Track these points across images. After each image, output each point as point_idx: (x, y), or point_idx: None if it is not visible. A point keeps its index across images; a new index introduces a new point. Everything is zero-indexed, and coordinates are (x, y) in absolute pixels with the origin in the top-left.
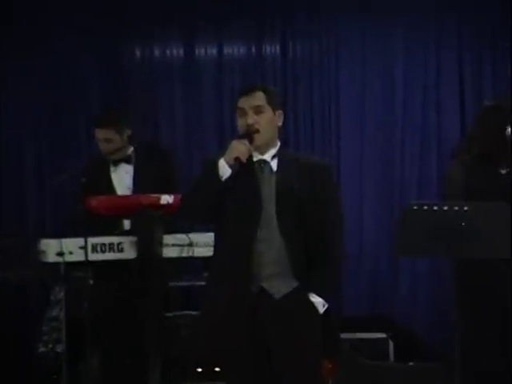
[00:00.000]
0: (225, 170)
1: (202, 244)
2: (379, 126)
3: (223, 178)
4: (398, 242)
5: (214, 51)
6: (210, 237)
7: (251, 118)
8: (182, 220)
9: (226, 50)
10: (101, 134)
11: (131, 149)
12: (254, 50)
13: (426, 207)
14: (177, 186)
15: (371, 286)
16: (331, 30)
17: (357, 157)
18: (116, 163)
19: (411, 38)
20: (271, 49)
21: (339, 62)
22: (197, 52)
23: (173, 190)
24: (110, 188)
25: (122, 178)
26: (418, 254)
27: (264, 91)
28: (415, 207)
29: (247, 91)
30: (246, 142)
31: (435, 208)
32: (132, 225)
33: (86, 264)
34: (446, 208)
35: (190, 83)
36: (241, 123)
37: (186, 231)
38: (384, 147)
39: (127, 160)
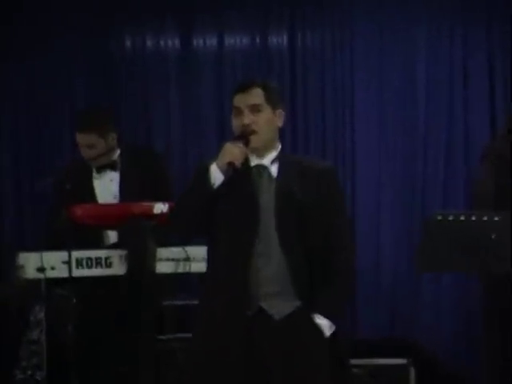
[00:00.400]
0: (217, 176)
1: (200, 258)
2: (399, 126)
3: (215, 186)
4: (420, 256)
5: (213, 42)
6: None
7: (247, 118)
8: (171, 233)
9: (227, 41)
10: (82, 139)
11: (117, 153)
12: (258, 40)
13: (451, 217)
14: (170, 193)
15: (389, 305)
16: (345, 21)
17: (373, 159)
18: (100, 170)
19: (435, 30)
20: (278, 40)
21: (354, 56)
22: (194, 43)
23: (165, 198)
24: (91, 197)
25: (107, 187)
26: (443, 269)
27: (262, 88)
28: (439, 217)
29: (243, 88)
30: (240, 144)
31: (462, 218)
32: (119, 236)
33: (70, 281)
34: (474, 218)
35: (187, 78)
36: (236, 124)
37: (183, 244)
38: (404, 148)
39: (112, 166)
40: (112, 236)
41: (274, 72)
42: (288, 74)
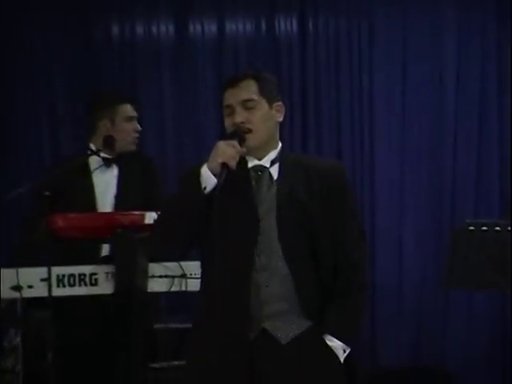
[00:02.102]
0: (209, 179)
1: (198, 275)
2: (424, 124)
3: (207, 190)
4: (449, 271)
5: (212, 28)
6: None
7: (240, 116)
8: (156, 246)
9: (229, 27)
10: (132, 109)
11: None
12: (263, 27)
13: (484, 227)
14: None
15: (414, 329)
16: (363, 4)
17: (395, 158)
18: (109, 163)
19: (465, 19)
20: (286, 26)
21: (373, 45)
22: (191, 29)
23: (158, 205)
24: (89, 197)
25: (108, 185)
26: (474, 287)
27: (255, 79)
28: (471, 228)
29: (233, 82)
30: (235, 143)
31: (497, 228)
32: (114, 249)
33: (50, 301)
34: (510, 228)
35: (183, 70)
36: (228, 123)
37: (178, 259)
38: (431, 144)
39: (120, 160)
40: (106, 249)
41: (281, 62)
42: (298, 66)
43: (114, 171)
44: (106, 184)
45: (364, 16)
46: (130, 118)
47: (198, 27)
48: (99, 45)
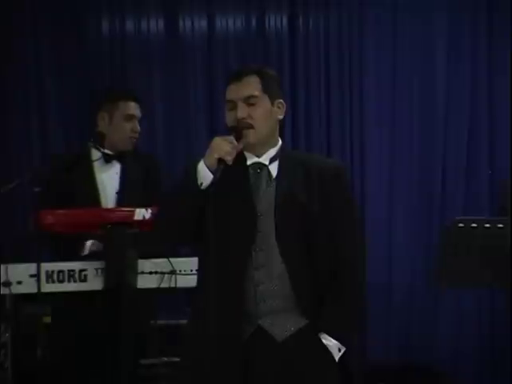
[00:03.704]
0: (205, 175)
1: (188, 271)
2: (414, 125)
3: (203, 186)
4: (438, 268)
5: (202, 24)
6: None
7: (242, 111)
8: (154, 242)
9: (219, 23)
10: (132, 108)
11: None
12: (254, 23)
13: (474, 224)
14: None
15: (404, 327)
16: (353, 1)
17: (385, 156)
18: (109, 159)
19: (456, 15)
20: (276, 22)
21: (364, 41)
22: (181, 25)
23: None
24: (93, 191)
25: (111, 180)
26: (464, 284)
27: (258, 75)
28: (461, 224)
29: (236, 76)
30: (232, 138)
31: (487, 225)
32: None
33: (40, 297)
34: (500, 225)
35: (173, 66)
36: (229, 118)
37: (168, 255)
38: (420, 143)
39: (121, 157)
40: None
41: (271, 59)
42: (288, 63)
43: (116, 167)
44: (107, 180)
45: (354, 12)
46: (130, 117)
47: (188, 23)
48: (89, 41)
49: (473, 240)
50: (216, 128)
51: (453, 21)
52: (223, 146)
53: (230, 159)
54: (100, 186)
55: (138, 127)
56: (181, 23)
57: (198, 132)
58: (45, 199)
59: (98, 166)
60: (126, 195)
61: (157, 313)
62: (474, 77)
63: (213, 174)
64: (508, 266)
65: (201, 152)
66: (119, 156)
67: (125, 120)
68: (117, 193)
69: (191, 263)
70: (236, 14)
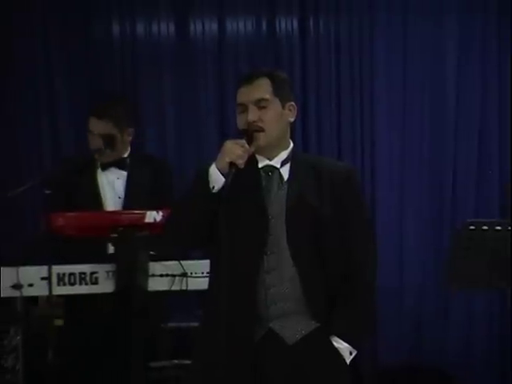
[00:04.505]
0: (217, 178)
1: (199, 274)
2: (425, 121)
3: (215, 189)
4: (449, 271)
5: (213, 27)
6: (208, 265)
7: (253, 114)
8: (166, 245)
9: (230, 26)
10: (97, 126)
11: (128, 151)
12: (264, 26)
13: (485, 227)
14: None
15: (415, 330)
16: (364, 3)
17: (395, 159)
18: (105, 166)
19: (467, 17)
20: (287, 25)
21: (374, 45)
22: (192, 28)
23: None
24: (95, 194)
25: (113, 184)
26: (475, 286)
27: (270, 78)
28: (472, 227)
29: (248, 79)
30: (243, 142)
31: (498, 228)
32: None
33: (51, 300)
34: (510, 228)
35: (183, 69)
36: (241, 122)
37: (179, 258)
38: (431, 146)
39: (120, 164)
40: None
41: (282, 62)
42: (298, 65)
43: (117, 173)
44: (108, 185)
45: (365, 15)
46: (90, 132)
47: (199, 26)
48: (100, 44)
49: (484, 242)
50: (227, 131)
51: (463, 23)
52: (235, 150)
53: (241, 163)
54: (101, 191)
55: (97, 144)
56: (191, 26)
57: (209, 135)
58: (53, 202)
59: (99, 171)
60: (130, 200)
61: (168, 315)
62: (485, 79)
63: (224, 177)
64: None
65: (211, 155)
66: (116, 162)
67: (89, 134)
68: (120, 197)
69: (202, 266)
70: (246, 17)
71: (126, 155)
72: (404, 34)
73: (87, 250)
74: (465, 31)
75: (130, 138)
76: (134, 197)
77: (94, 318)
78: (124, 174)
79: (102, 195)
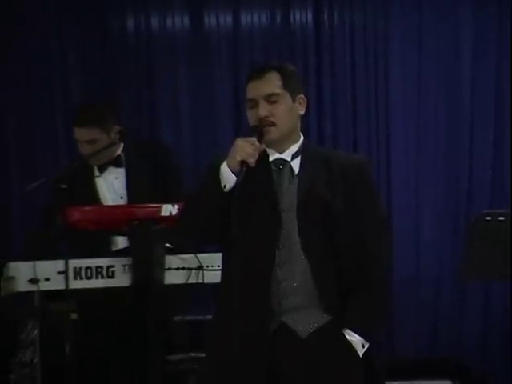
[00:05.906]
0: (228, 177)
1: (215, 267)
2: (441, 115)
3: (227, 188)
4: (466, 262)
5: (228, 20)
6: None
7: (264, 109)
8: (180, 239)
9: (244, 19)
10: (82, 134)
11: (121, 148)
12: (279, 18)
13: (501, 218)
14: (181, 192)
15: (431, 320)
16: None
17: (411, 152)
18: (102, 168)
19: (481, 8)
20: (301, 17)
21: (389, 36)
22: (206, 21)
23: (176, 197)
24: (95, 199)
25: (112, 186)
26: (492, 277)
27: (279, 71)
28: (488, 218)
29: (256, 73)
30: (254, 140)
31: None
32: (130, 242)
33: (67, 294)
34: None
35: (198, 62)
36: (251, 116)
37: (195, 251)
38: (447, 139)
39: (116, 162)
40: (120, 241)
41: (297, 54)
42: (313, 57)
43: (115, 172)
44: (106, 186)
45: (379, 7)
46: (77, 140)
47: (214, 20)
48: (115, 39)
49: (500, 233)
50: (241, 123)
51: (478, 14)
52: (246, 148)
53: (252, 161)
54: (101, 196)
55: (85, 150)
56: (206, 19)
57: (224, 127)
58: (63, 197)
59: (97, 176)
60: (132, 197)
61: (186, 308)
62: (499, 70)
63: (236, 176)
64: None
65: (226, 145)
66: (112, 161)
67: (77, 142)
68: (122, 197)
69: (218, 259)
70: (261, 10)
71: (119, 152)
72: (419, 25)
73: (92, 246)
74: (480, 21)
75: (119, 136)
76: (135, 194)
77: (110, 311)
78: (122, 171)
79: (102, 199)
